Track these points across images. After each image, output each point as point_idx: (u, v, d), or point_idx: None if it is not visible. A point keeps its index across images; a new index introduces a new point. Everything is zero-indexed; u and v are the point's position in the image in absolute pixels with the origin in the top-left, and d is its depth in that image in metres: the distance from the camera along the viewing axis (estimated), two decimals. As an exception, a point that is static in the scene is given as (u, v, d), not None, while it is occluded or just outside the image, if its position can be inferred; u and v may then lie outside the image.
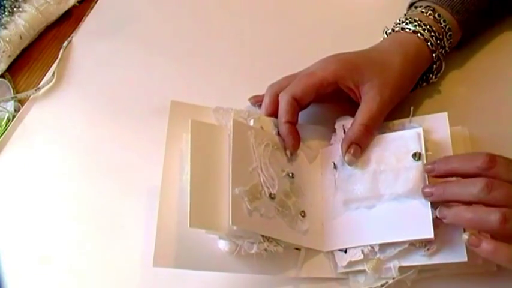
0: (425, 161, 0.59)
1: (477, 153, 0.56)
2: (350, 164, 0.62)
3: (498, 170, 0.54)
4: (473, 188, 0.54)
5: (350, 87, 0.65)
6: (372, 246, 0.59)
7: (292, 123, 0.64)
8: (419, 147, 0.60)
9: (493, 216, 0.52)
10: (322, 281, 0.61)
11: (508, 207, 0.52)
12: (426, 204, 0.57)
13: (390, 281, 0.58)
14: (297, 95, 0.64)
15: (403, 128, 0.65)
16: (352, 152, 0.62)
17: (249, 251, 0.58)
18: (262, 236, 0.58)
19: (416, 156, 0.59)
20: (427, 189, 0.57)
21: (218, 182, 0.59)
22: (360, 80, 0.65)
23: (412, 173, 0.59)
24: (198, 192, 0.58)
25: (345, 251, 0.60)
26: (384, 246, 0.59)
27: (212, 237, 0.59)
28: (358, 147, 0.62)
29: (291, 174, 0.63)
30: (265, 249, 0.58)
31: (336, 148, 0.65)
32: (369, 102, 0.64)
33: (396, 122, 0.66)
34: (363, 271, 0.59)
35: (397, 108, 0.67)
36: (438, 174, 0.58)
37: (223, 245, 0.59)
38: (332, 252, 0.62)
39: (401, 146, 0.61)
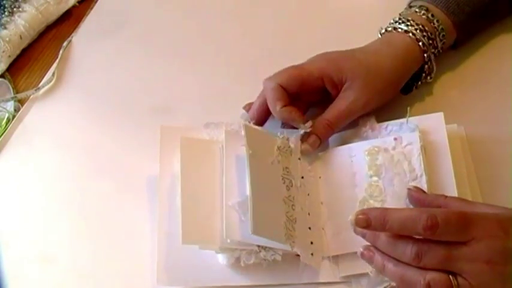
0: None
1: (418, 214, 0.48)
2: (304, 153, 0.61)
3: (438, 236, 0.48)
4: (405, 251, 0.49)
5: (334, 85, 0.63)
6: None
7: (288, 105, 0.62)
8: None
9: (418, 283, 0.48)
10: (325, 285, 0.58)
11: (436, 270, 0.48)
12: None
13: (393, 283, 0.54)
14: (282, 83, 0.62)
15: (399, 129, 0.62)
16: (310, 142, 0.61)
17: (247, 262, 0.55)
18: (258, 245, 0.55)
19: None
20: (358, 230, 0.52)
21: (210, 196, 0.58)
22: (343, 79, 0.63)
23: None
24: (190, 208, 0.57)
25: None
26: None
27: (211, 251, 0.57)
28: (318, 139, 0.62)
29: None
30: (264, 259, 0.55)
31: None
32: (341, 100, 0.62)
33: (392, 122, 0.63)
34: (366, 274, 0.56)
35: (395, 109, 0.65)
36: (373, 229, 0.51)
37: (222, 258, 0.57)
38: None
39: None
